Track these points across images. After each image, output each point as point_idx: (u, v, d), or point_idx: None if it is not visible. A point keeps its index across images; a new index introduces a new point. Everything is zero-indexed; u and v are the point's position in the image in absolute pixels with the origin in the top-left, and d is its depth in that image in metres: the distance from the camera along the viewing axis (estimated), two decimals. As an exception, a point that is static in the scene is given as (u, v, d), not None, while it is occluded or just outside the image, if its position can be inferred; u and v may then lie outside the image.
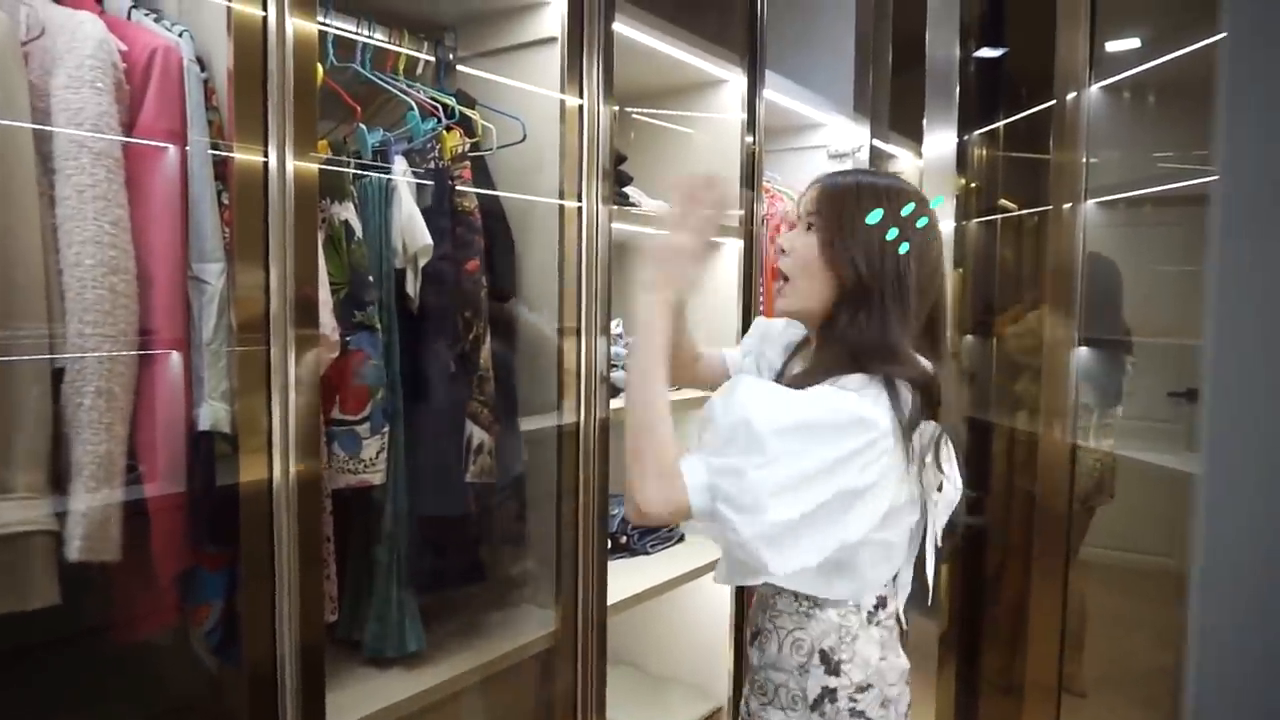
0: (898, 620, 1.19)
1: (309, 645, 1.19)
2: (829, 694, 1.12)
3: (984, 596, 2.57)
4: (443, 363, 1.48)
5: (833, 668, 1.12)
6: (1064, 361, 2.15)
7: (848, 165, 2.64)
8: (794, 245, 1.14)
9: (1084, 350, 2.17)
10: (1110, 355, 2.24)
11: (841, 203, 1.11)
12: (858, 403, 1.00)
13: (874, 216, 1.09)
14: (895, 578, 1.17)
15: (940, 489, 1.13)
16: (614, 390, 1.77)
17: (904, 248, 1.09)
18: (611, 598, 1.76)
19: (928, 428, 1.08)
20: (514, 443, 1.64)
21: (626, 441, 1.03)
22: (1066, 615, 2.15)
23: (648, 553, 2.13)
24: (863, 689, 1.11)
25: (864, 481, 0.99)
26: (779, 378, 1.26)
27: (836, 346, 1.10)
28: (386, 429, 1.40)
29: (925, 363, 1.09)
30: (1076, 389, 2.14)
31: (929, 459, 1.08)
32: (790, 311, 1.17)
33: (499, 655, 1.57)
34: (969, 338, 2.64)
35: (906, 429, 1.02)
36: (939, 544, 1.16)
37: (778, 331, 1.34)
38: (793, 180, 2.57)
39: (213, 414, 1.14)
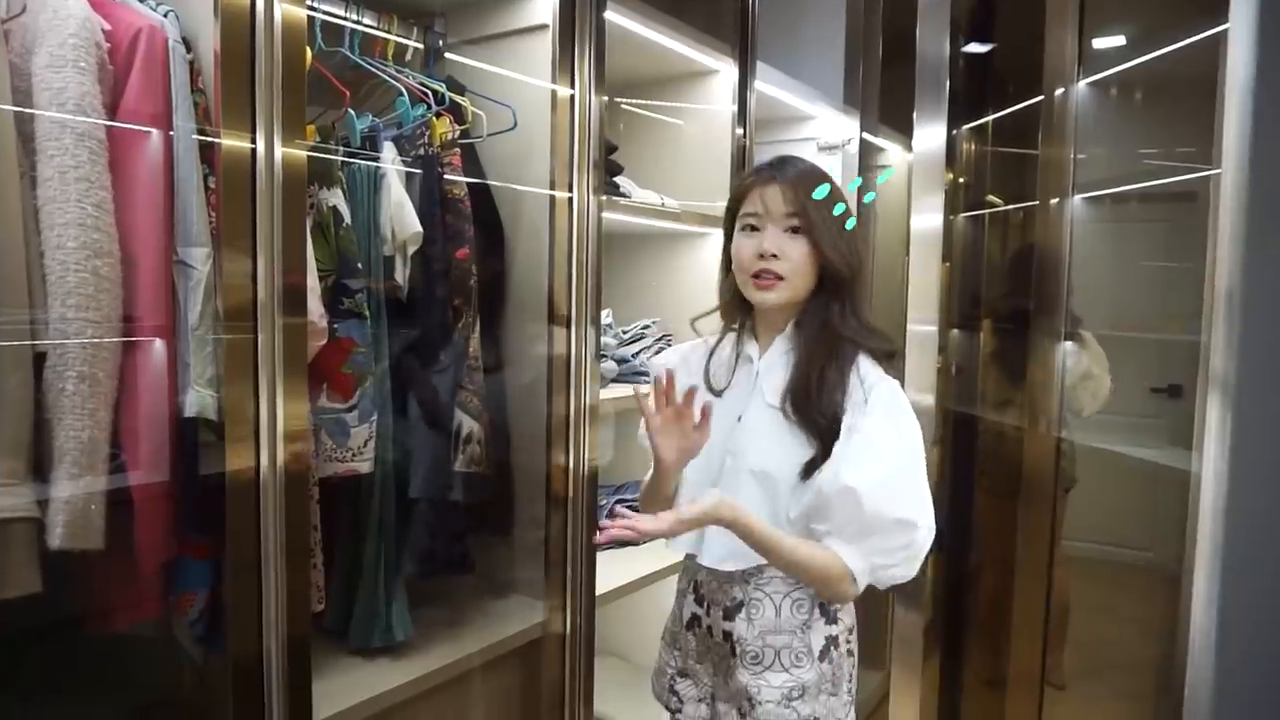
0: None
1: (296, 635, 1.18)
2: (832, 641, 1.21)
3: (968, 588, 2.59)
4: (432, 351, 1.47)
5: (831, 617, 1.23)
6: (1050, 356, 2.16)
7: (836, 158, 2.64)
8: (784, 250, 1.18)
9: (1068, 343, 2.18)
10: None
11: (823, 205, 1.19)
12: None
13: (841, 208, 1.21)
14: None
15: None
16: (603, 380, 1.77)
17: (863, 234, 1.22)
18: (599, 589, 1.75)
19: None
20: (503, 432, 1.63)
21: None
22: (1049, 605, 2.17)
23: (636, 543, 2.12)
24: (850, 629, 1.25)
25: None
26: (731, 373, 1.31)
27: (831, 333, 1.20)
28: (375, 417, 1.39)
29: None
30: (1062, 383, 2.15)
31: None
32: (781, 304, 1.22)
33: (487, 645, 1.56)
34: (955, 331, 2.65)
35: None
36: None
37: (695, 360, 1.36)
38: (782, 173, 2.56)
39: (198, 401, 1.12)
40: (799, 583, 1.20)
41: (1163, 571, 1.99)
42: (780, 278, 1.18)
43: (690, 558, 1.30)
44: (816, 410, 1.16)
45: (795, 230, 1.18)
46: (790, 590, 1.21)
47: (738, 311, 1.30)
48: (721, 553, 1.22)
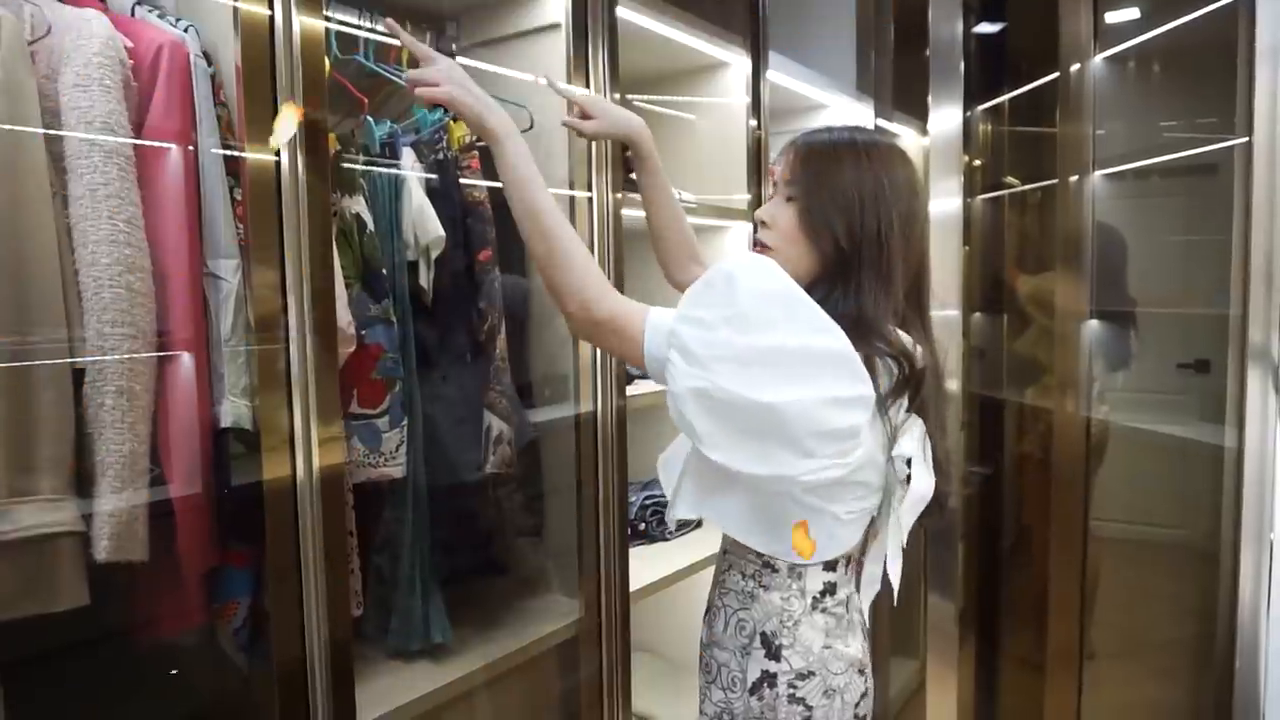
0: (853, 604, 1.14)
1: (337, 640, 1.19)
2: (768, 678, 1.08)
3: (999, 572, 2.57)
4: (458, 353, 1.47)
5: (773, 652, 1.09)
6: (1076, 333, 2.14)
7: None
8: (774, 218, 1.09)
9: (1093, 321, 2.16)
10: (1116, 326, 2.23)
11: (819, 170, 1.06)
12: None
13: (853, 178, 1.04)
14: (848, 563, 1.12)
15: (908, 481, 1.05)
16: (629, 378, 1.77)
17: (885, 211, 1.03)
18: (633, 585, 1.75)
19: (901, 415, 1.04)
20: (532, 432, 1.63)
21: (537, 248, 1.03)
22: (1084, 584, 2.15)
23: (666, 539, 2.13)
24: (803, 676, 1.08)
25: (838, 423, 0.92)
26: None
27: None
28: (405, 422, 1.39)
29: (907, 339, 1.05)
30: (1090, 361, 2.13)
31: (895, 450, 1.03)
32: None
33: (524, 645, 1.57)
34: (978, 315, 2.63)
35: (880, 404, 0.98)
36: (905, 543, 1.09)
37: None
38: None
39: (234, 411, 1.13)
40: (748, 604, 1.10)
41: (1196, 549, 1.97)
42: (768, 248, 1.10)
43: None
44: None
45: (789, 199, 1.09)
46: (737, 609, 1.12)
47: None
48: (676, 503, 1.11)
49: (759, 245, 1.11)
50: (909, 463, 1.03)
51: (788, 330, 0.92)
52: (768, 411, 0.90)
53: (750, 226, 2.16)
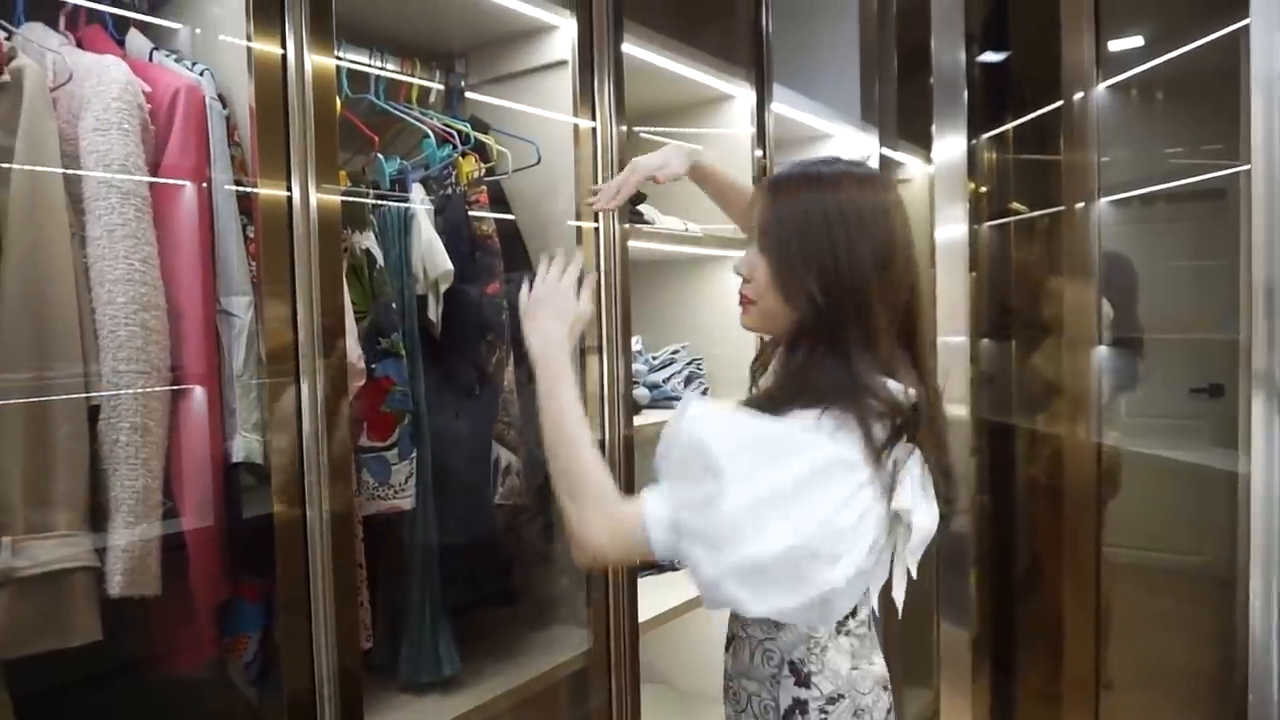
0: (872, 620, 1.14)
1: (347, 673, 1.19)
2: (800, 705, 1.08)
3: (1013, 598, 2.55)
4: (467, 386, 1.49)
5: (802, 679, 1.08)
6: (1086, 360, 2.14)
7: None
8: (752, 270, 1.06)
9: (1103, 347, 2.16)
10: (1126, 352, 2.23)
11: (788, 218, 1.01)
12: (827, 438, 0.94)
13: (822, 226, 0.99)
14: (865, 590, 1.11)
15: (909, 526, 1.05)
16: (636, 408, 1.78)
17: (859, 259, 0.98)
18: (642, 615, 1.75)
19: (901, 452, 1.02)
20: (541, 464, 1.64)
21: (554, 478, 1.03)
22: (1099, 612, 2.13)
23: (675, 569, 2.12)
24: (833, 700, 1.08)
25: (850, 518, 0.93)
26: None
27: (797, 380, 1.02)
28: (414, 454, 1.41)
29: (896, 387, 1.00)
30: (1100, 388, 2.13)
31: (895, 504, 1.01)
32: (759, 329, 1.12)
33: (534, 676, 1.56)
34: (986, 340, 2.64)
35: (873, 459, 0.96)
36: (913, 573, 1.09)
37: None
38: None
39: (246, 446, 1.15)
40: (772, 634, 1.10)
41: (1214, 576, 1.95)
42: (751, 301, 1.07)
43: None
44: None
45: (763, 251, 1.04)
46: (762, 639, 1.11)
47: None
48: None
49: (743, 299, 1.09)
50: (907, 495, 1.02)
51: (773, 471, 0.92)
52: (793, 550, 0.90)
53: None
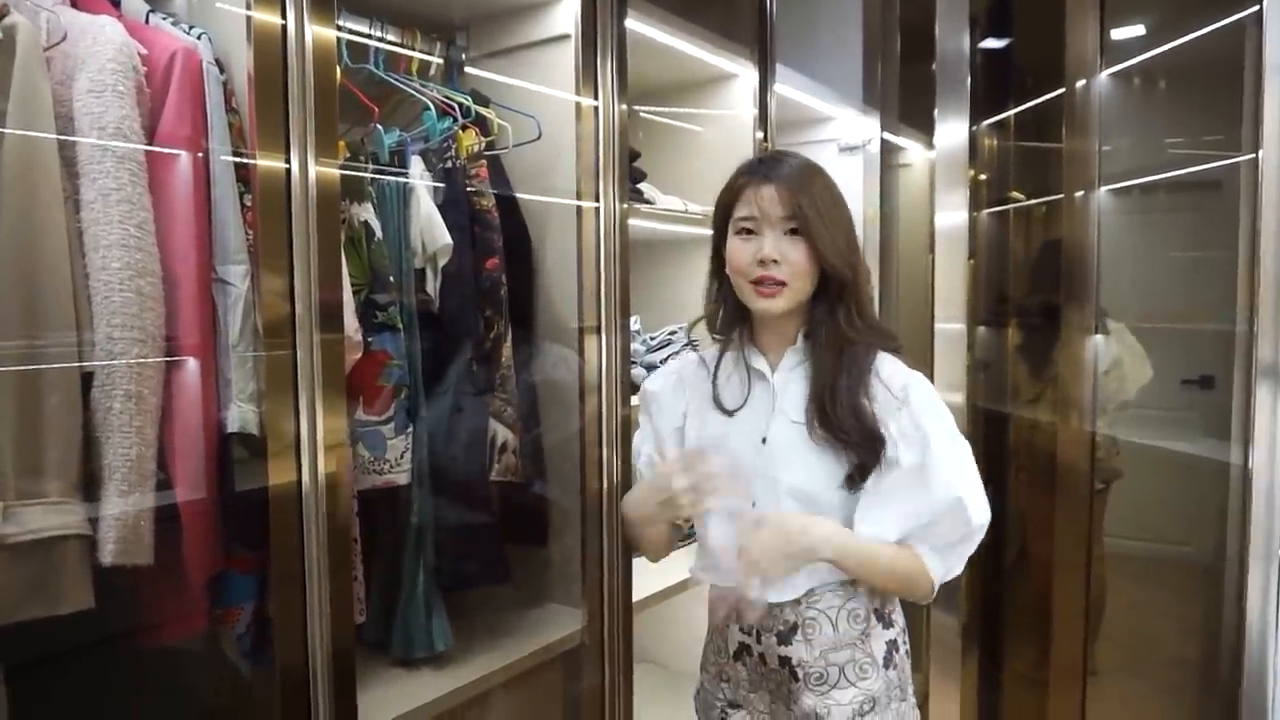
0: None
1: (340, 647, 1.18)
2: (892, 646, 1.18)
3: (1003, 586, 2.56)
4: (464, 361, 1.48)
5: (888, 622, 1.19)
6: (1082, 349, 2.14)
7: (858, 158, 2.63)
8: (785, 254, 1.14)
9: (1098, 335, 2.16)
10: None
11: (819, 203, 1.15)
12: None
13: (836, 201, 1.17)
14: None
15: None
16: (634, 387, 1.77)
17: (853, 226, 1.20)
18: (636, 595, 1.75)
19: None
20: (537, 441, 1.63)
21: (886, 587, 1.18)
22: (1089, 600, 2.15)
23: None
24: (904, 629, 1.21)
25: None
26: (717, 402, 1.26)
27: (842, 339, 1.16)
28: (410, 429, 1.40)
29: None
30: (1095, 376, 2.13)
31: None
32: (785, 311, 1.18)
33: (526, 654, 1.56)
34: (983, 328, 2.63)
35: None
36: None
37: (668, 399, 1.33)
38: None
39: (240, 416, 1.14)
40: (854, 594, 1.16)
41: (1202, 566, 1.96)
42: (782, 283, 1.14)
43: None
44: (842, 425, 1.12)
45: (794, 232, 1.14)
46: (845, 603, 1.16)
47: (735, 321, 1.25)
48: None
49: (775, 283, 1.14)
50: None
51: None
52: None
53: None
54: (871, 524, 1.13)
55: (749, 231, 1.16)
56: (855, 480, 1.13)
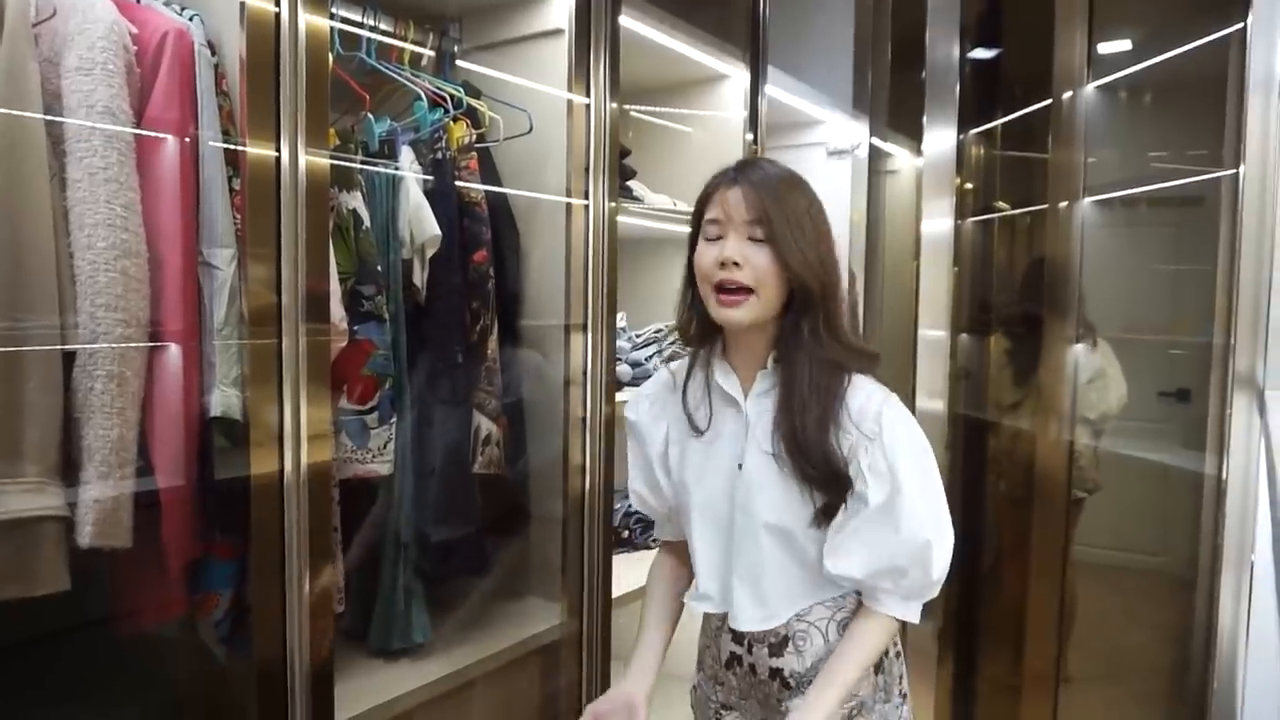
0: None
1: (318, 636, 1.18)
2: (883, 653, 1.16)
3: (978, 592, 2.58)
4: (450, 353, 1.47)
5: None
6: (1061, 359, 2.16)
7: (846, 163, 2.65)
8: (747, 258, 1.07)
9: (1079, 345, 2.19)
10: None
11: (788, 210, 1.07)
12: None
13: (808, 211, 1.09)
14: None
15: None
16: (619, 384, 1.77)
17: (830, 239, 1.11)
18: (615, 591, 1.75)
19: None
20: (520, 435, 1.63)
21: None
22: (1063, 607, 2.17)
23: (650, 547, 2.13)
24: (894, 631, 1.17)
25: None
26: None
27: (813, 362, 1.09)
28: (394, 419, 1.39)
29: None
30: (1075, 387, 2.15)
31: None
32: (751, 321, 1.10)
33: (505, 647, 1.56)
34: (964, 336, 2.65)
35: None
36: None
37: (647, 428, 1.25)
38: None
39: (224, 400, 1.13)
40: (843, 604, 1.14)
41: (1175, 575, 1.99)
42: (747, 290, 1.07)
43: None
44: (810, 461, 1.07)
45: (758, 239, 1.07)
46: (834, 614, 1.14)
47: (706, 334, 1.19)
48: (757, 615, 1.14)
49: (739, 289, 1.08)
50: None
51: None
52: None
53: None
54: (840, 561, 1.09)
55: (716, 236, 1.11)
56: (822, 518, 1.09)
